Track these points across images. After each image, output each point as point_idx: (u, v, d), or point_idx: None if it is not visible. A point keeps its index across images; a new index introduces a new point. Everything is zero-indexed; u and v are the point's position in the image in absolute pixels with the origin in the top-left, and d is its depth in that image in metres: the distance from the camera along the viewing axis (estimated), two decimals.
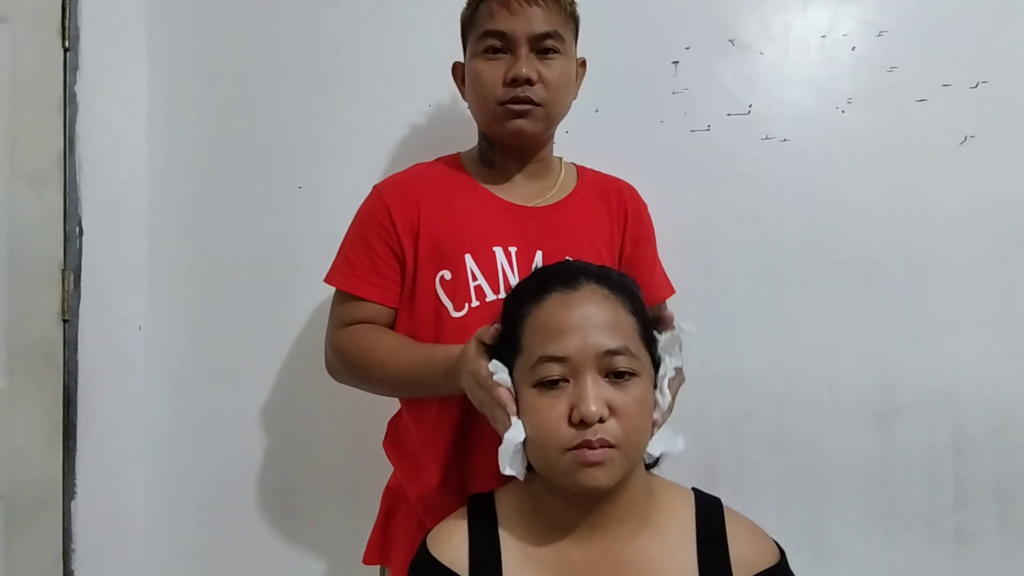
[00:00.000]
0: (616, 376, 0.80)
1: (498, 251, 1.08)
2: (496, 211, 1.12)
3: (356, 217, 1.15)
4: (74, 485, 1.42)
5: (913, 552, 1.37)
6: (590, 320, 0.81)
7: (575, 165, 1.23)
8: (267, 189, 1.52)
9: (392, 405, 1.19)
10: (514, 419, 0.82)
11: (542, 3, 1.06)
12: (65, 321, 1.42)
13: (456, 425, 1.05)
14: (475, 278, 1.07)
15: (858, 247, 1.39)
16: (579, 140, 1.29)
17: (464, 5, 1.14)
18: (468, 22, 1.13)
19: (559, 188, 1.16)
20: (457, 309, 1.07)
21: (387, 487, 1.21)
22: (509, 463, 0.83)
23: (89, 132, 1.45)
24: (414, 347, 1.05)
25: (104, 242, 1.48)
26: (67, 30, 1.42)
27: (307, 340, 1.49)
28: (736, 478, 1.39)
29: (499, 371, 0.85)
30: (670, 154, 1.43)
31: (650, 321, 0.89)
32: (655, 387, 0.86)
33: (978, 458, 1.36)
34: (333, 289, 1.14)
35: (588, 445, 0.77)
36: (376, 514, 1.20)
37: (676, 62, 1.44)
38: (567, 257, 1.01)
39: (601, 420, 0.78)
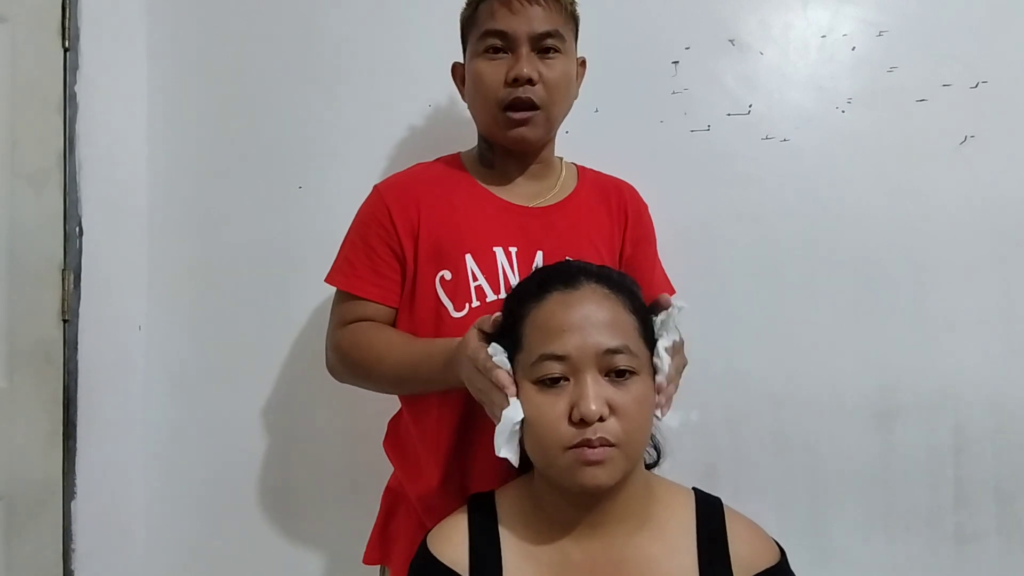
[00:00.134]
0: (616, 375, 0.80)
1: (498, 251, 1.08)
2: (496, 211, 1.12)
3: (356, 217, 1.15)
4: (74, 485, 1.42)
5: (913, 552, 1.37)
6: (590, 319, 0.81)
7: (575, 165, 1.23)
8: (267, 189, 1.52)
9: (392, 405, 1.19)
10: (512, 399, 0.82)
11: (543, 2, 1.06)
12: (65, 321, 1.42)
13: (456, 425, 1.05)
14: (475, 278, 1.07)
15: (858, 247, 1.39)
16: (579, 140, 1.29)
17: (464, 5, 1.14)
18: (468, 22, 1.13)
19: (559, 188, 1.16)
20: (457, 309, 1.07)
21: (387, 487, 1.21)
22: (505, 443, 0.82)
23: (89, 132, 1.45)
24: (414, 342, 1.05)
25: (104, 242, 1.48)
26: (67, 30, 1.42)
27: (307, 340, 1.49)
28: (736, 478, 1.39)
29: (498, 354, 0.85)
30: (670, 154, 1.43)
31: (650, 319, 0.89)
32: (653, 371, 0.85)
33: (978, 458, 1.36)
34: (333, 289, 1.14)
35: (588, 444, 0.77)
36: (376, 514, 1.20)
37: (676, 62, 1.44)
38: (567, 257, 1.01)
39: (601, 419, 0.78)
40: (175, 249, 1.55)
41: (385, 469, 1.20)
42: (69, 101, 1.42)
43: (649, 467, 0.92)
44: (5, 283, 1.34)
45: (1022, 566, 1.35)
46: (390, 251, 1.09)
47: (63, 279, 1.42)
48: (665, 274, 1.27)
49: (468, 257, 1.07)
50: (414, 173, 1.18)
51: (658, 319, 0.88)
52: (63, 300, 1.42)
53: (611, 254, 1.16)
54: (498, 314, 0.89)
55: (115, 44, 1.52)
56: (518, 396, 0.82)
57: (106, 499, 1.48)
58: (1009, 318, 1.36)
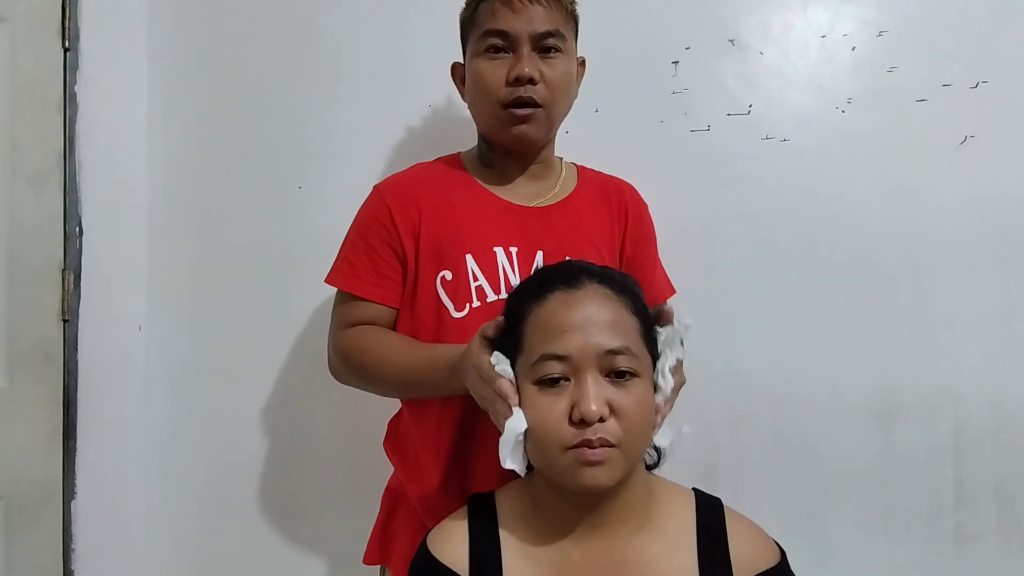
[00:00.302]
0: (617, 376, 0.80)
1: (499, 251, 1.08)
2: (497, 211, 1.11)
3: (357, 217, 1.15)
4: (74, 485, 1.42)
5: (913, 552, 1.37)
6: (592, 320, 0.81)
7: (575, 165, 1.23)
8: (267, 189, 1.52)
9: (392, 405, 1.19)
10: (516, 409, 0.82)
11: (544, 2, 1.06)
12: (65, 321, 1.42)
13: (457, 426, 1.05)
14: (476, 278, 1.07)
15: (858, 247, 1.39)
16: (579, 140, 1.29)
17: (463, 5, 1.14)
18: (468, 22, 1.13)
19: (560, 188, 1.16)
20: (458, 309, 1.07)
21: (387, 487, 1.21)
22: (510, 455, 0.82)
23: (89, 132, 1.45)
24: (417, 347, 1.05)
25: (104, 242, 1.48)
26: (67, 30, 1.42)
27: (307, 340, 1.49)
28: (736, 478, 1.39)
29: (500, 363, 0.85)
30: (670, 154, 1.43)
31: (651, 320, 0.89)
32: (655, 371, 0.86)
33: (978, 458, 1.36)
34: (334, 290, 1.14)
35: (588, 444, 0.77)
36: (376, 514, 1.20)
37: (676, 62, 1.44)
38: (568, 257, 1.01)
39: (602, 419, 0.78)
40: (175, 249, 1.55)
41: (385, 469, 1.20)
42: (69, 101, 1.42)
43: (649, 468, 0.92)
44: (5, 283, 1.34)
45: (1022, 566, 1.35)
46: (391, 251, 1.09)
47: (63, 279, 1.42)
48: (666, 274, 1.27)
49: (469, 257, 1.07)
50: (414, 173, 1.18)
51: (663, 334, 0.88)
52: (63, 300, 1.42)
53: (611, 254, 1.16)
54: (500, 318, 0.89)
55: (115, 44, 1.52)
56: (520, 403, 0.82)
57: (106, 499, 1.48)
58: (1009, 318, 1.36)
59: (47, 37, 1.40)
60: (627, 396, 0.80)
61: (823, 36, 1.42)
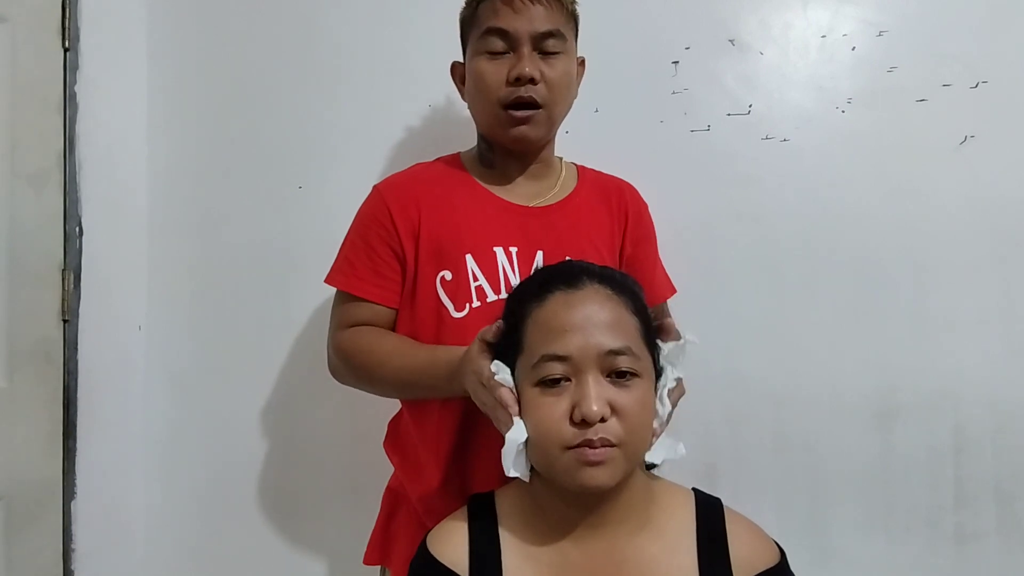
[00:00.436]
0: (618, 376, 0.80)
1: (499, 251, 1.08)
2: (496, 211, 1.11)
3: (356, 217, 1.15)
4: (74, 485, 1.42)
5: (913, 552, 1.37)
6: (592, 320, 0.81)
7: (575, 165, 1.23)
8: (267, 189, 1.52)
9: (392, 405, 1.19)
10: (516, 419, 0.82)
11: (544, 2, 1.06)
12: (65, 321, 1.42)
13: (457, 426, 1.05)
14: (476, 278, 1.07)
15: (858, 247, 1.39)
16: (579, 140, 1.29)
17: (463, 5, 1.14)
18: (468, 21, 1.13)
19: (560, 188, 1.16)
20: (458, 309, 1.06)
21: (388, 487, 1.21)
22: (513, 464, 0.82)
23: (89, 132, 1.45)
24: (417, 349, 1.05)
25: (104, 242, 1.48)
26: (67, 30, 1.42)
27: (307, 340, 1.49)
28: (736, 478, 1.39)
29: (501, 371, 0.85)
30: (670, 154, 1.43)
31: (652, 323, 0.89)
32: (656, 394, 0.86)
33: (978, 458, 1.36)
34: (334, 290, 1.14)
35: (589, 444, 0.77)
36: (376, 514, 1.20)
37: (676, 62, 1.44)
38: (568, 257, 1.01)
39: (602, 419, 0.78)
40: (175, 249, 1.55)
41: (385, 469, 1.20)
42: (69, 101, 1.42)
43: (649, 468, 0.92)
44: (5, 283, 1.34)
45: (1022, 566, 1.35)
46: (391, 251, 1.09)
47: (63, 279, 1.42)
48: (666, 274, 1.27)
49: (468, 257, 1.07)
50: (414, 173, 1.18)
51: (665, 349, 0.88)
52: (63, 300, 1.42)
53: (611, 254, 1.15)
54: (500, 322, 0.89)
55: (115, 44, 1.52)
56: (520, 408, 0.83)
57: (106, 499, 1.48)
58: (1009, 318, 1.36)
59: (47, 37, 1.40)
60: (628, 396, 0.80)
61: (823, 36, 1.42)
